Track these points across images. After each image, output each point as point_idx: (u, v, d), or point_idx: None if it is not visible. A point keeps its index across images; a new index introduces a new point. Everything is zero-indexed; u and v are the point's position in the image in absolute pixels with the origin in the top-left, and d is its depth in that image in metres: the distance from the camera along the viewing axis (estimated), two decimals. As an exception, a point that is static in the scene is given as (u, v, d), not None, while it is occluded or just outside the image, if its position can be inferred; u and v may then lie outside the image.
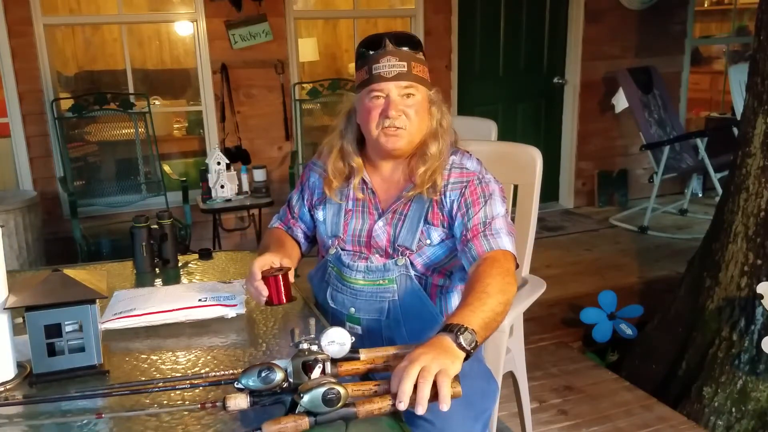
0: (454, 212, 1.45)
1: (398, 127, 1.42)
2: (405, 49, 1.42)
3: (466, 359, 1.08)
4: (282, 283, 1.35)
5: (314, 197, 1.60)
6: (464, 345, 1.08)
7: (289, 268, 1.39)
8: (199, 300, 1.44)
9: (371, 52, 1.43)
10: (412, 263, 1.47)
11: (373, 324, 1.51)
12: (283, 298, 1.36)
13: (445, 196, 1.46)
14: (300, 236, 1.64)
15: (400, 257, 1.47)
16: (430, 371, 0.98)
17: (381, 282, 1.48)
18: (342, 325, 1.50)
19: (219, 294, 1.48)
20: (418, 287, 1.48)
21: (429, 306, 1.50)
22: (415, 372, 0.98)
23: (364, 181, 1.52)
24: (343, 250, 1.53)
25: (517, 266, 1.41)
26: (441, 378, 0.98)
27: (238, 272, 1.72)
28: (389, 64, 1.41)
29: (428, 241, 1.46)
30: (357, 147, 1.52)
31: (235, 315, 1.43)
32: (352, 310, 1.52)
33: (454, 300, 1.55)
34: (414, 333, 1.49)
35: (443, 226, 1.46)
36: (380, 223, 1.49)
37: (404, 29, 4.88)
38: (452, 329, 1.10)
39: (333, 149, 1.54)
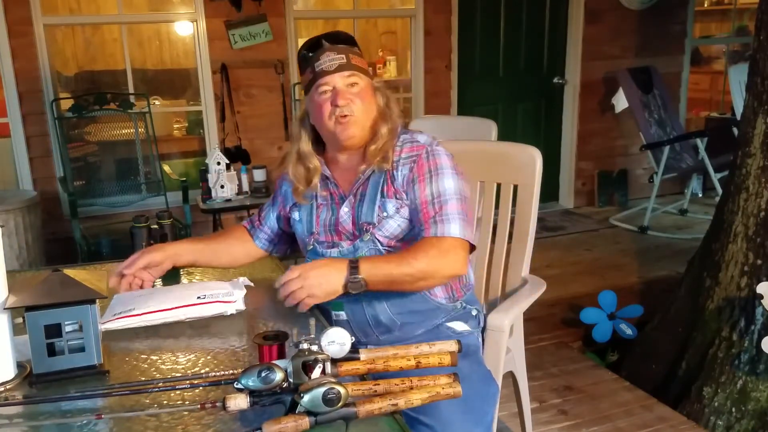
0: (404, 187, 1.52)
1: (347, 115, 1.50)
2: (341, 45, 1.53)
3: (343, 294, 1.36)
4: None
5: (288, 203, 1.67)
6: (349, 287, 1.34)
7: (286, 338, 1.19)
8: (198, 298, 1.45)
9: (311, 54, 1.53)
10: (376, 238, 1.52)
11: (355, 304, 1.53)
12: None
13: (397, 171, 1.53)
14: (262, 237, 1.74)
15: (366, 233, 1.52)
16: (304, 290, 1.32)
17: None
18: (329, 316, 1.55)
19: (218, 291, 1.49)
20: None
21: None
22: (295, 285, 1.32)
23: (325, 178, 1.59)
24: (317, 243, 1.59)
25: (473, 249, 1.52)
26: (308, 300, 1.33)
27: (238, 272, 1.73)
28: (329, 58, 1.51)
29: (385, 214, 1.52)
30: (315, 147, 1.60)
31: (234, 312, 1.44)
32: None
33: None
34: (396, 305, 1.53)
35: (396, 198, 1.52)
36: (345, 208, 1.55)
37: (404, 29, 4.89)
38: (354, 270, 1.34)
39: (291, 155, 1.62)
